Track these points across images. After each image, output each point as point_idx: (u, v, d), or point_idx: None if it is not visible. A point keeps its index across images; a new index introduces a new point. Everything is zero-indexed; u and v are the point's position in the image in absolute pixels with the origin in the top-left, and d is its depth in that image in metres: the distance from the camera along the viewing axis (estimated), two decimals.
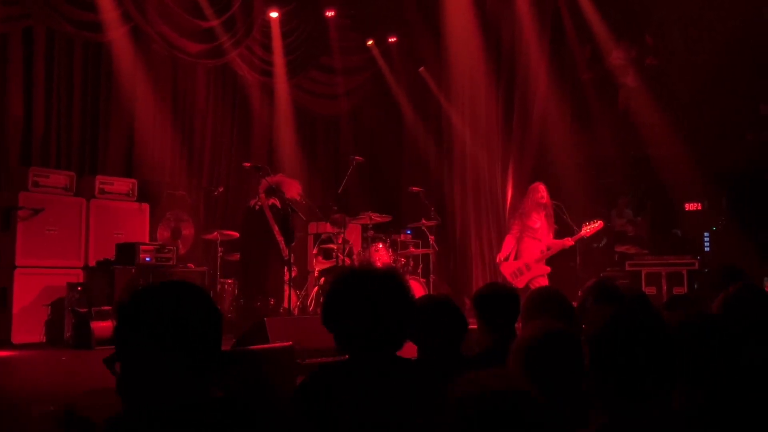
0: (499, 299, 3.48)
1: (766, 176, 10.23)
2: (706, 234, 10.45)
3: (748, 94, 10.41)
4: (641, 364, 1.77)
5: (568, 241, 8.49)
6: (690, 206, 10.79)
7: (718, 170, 10.20)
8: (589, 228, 8.46)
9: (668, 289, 9.44)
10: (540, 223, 8.49)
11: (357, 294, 2.29)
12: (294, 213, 7.94)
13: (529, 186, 8.89)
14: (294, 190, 8.33)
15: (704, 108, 10.63)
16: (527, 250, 8.49)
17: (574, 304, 4.64)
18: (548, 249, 8.49)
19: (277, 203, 8.14)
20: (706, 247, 10.38)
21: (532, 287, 8.03)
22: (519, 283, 8.35)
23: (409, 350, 2.56)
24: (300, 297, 8.78)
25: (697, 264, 9.38)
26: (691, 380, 1.99)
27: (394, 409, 2.17)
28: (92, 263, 8.16)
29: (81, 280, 8.01)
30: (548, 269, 8.48)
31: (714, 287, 3.72)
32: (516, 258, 8.57)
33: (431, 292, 9.19)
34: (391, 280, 2.34)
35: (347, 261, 8.78)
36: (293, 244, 8.21)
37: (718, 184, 10.38)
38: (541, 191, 8.56)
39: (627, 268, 9.91)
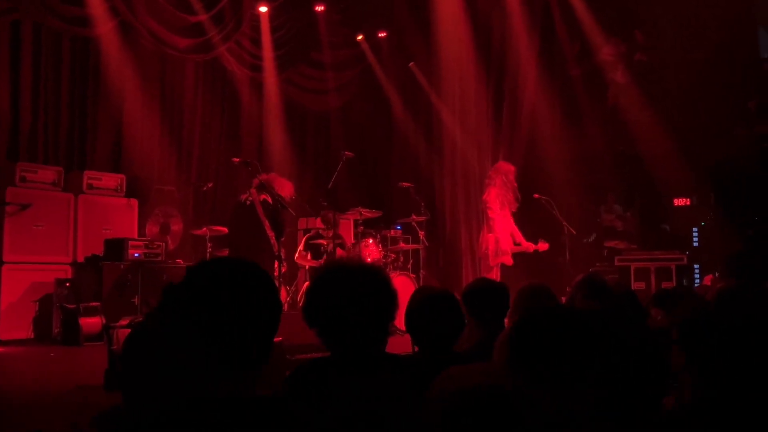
0: (488, 294, 3.47)
1: (754, 171, 10.27)
2: (694, 229, 10.50)
3: (736, 90, 10.46)
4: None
5: (532, 247, 8.80)
6: (679, 201, 10.83)
7: (706, 166, 10.25)
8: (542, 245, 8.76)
9: (657, 284, 9.48)
10: (510, 199, 8.87)
11: (337, 291, 2.26)
12: (284, 209, 7.93)
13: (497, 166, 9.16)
14: (286, 190, 8.31)
15: (693, 104, 10.67)
16: (507, 229, 8.72)
17: (563, 299, 4.66)
18: (517, 244, 8.77)
19: (268, 199, 8.12)
20: (695, 242, 10.43)
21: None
22: (500, 260, 8.61)
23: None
24: (290, 292, 8.76)
25: (685, 259, 9.43)
26: (692, 377, 1.99)
27: (376, 404, 2.16)
28: (80, 259, 8.13)
29: (69, 276, 7.98)
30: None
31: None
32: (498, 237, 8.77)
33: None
34: (372, 276, 2.31)
35: (342, 253, 8.79)
36: (283, 240, 8.19)
37: (706, 179, 10.42)
38: (513, 171, 8.96)
39: (616, 263, 9.94)
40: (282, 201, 7.67)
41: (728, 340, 1.99)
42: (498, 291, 3.55)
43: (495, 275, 8.66)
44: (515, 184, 8.95)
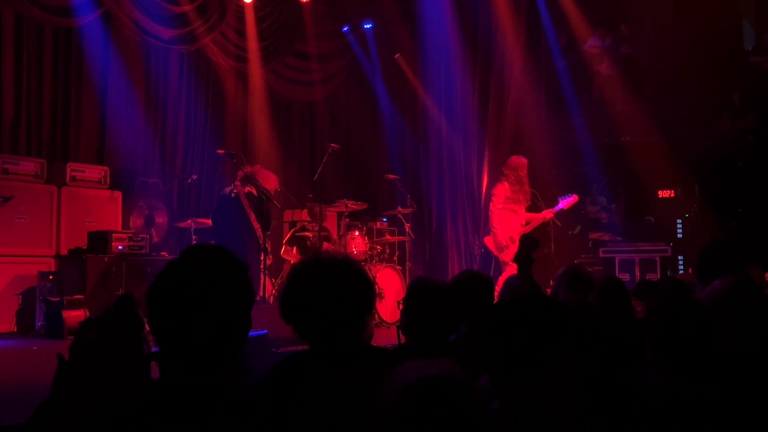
0: (474, 286, 3.47)
1: (738, 164, 10.34)
2: (679, 221, 10.56)
3: (720, 83, 10.51)
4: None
5: (548, 214, 8.62)
6: (663, 193, 10.88)
7: (691, 158, 10.30)
8: (566, 201, 8.59)
9: (641, 275, 9.53)
10: (519, 196, 8.67)
11: (310, 286, 2.26)
12: (269, 201, 7.92)
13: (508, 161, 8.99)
14: (271, 183, 8.28)
15: (677, 96, 10.71)
16: (508, 223, 8.61)
17: (548, 291, 4.68)
18: (527, 223, 8.65)
19: (253, 191, 8.09)
20: (679, 234, 10.49)
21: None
22: (506, 257, 8.45)
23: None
24: (275, 285, 8.74)
25: (669, 251, 9.48)
26: (668, 367, 2.01)
27: (357, 397, 2.15)
28: (64, 252, 8.07)
29: (52, 269, 7.92)
30: None
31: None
32: (495, 232, 8.68)
33: (407, 280, 9.22)
34: (346, 269, 2.29)
35: (328, 246, 8.77)
36: (269, 233, 8.17)
37: (691, 171, 10.48)
38: (524, 164, 8.78)
39: (601, 254, 9.99)
40: (267, 193, 7.65)
41: (689, 329, 2.01)
42: (483, 283, 3.55)
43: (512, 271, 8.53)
44: (526, 178, 8.84)
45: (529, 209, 8.90)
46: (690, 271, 8.64)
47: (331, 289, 2.23)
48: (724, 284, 2.64)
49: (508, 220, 8.63)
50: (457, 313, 3.00)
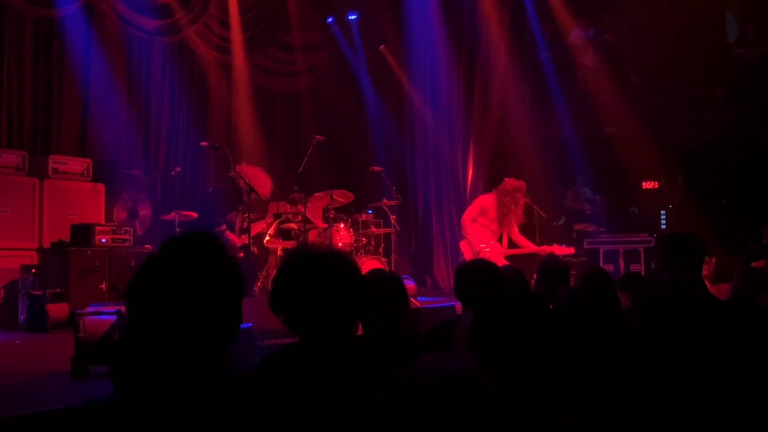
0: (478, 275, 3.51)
1: (721, 155, 10.41)
2: (662, 212, 10.62)
3: (704, 75, 10.56)
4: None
5: (543, 250, 8.28)
6: (647, 185, 10.95)
7: (675, 149, 10.36)
8: (562, 249, 8.29)
9: (626, 266, 9.58)
10: (506, 218, 8.37)
11: (302, 279, 2.24)
12: (253, 192, 7.85)
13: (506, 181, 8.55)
14: (266, 187, 8.20)
15: (661, 88, 10.77)
16: (482, 235, 8.42)
17: (533, 282, 4.69)
18: (516, 246, 8.43)
19: (241, 186, 8.05)
20: (663, 225, 10.55)
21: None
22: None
23: None
24: (260, 278, 8.71)
25: (653, 242, 9.52)
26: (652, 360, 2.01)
27: (347, 387, 2.16)
28: (46, 245, 8.00)
29: (35, 262, 7.85)
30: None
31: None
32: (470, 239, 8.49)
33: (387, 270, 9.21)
34: (337, 262, 2.28)
35: (313, 237, 8.74)
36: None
37: (674, 162, 10.54)
38: (522, 188, 8.42)
39: (585, 246, 10.02)
40: (252, 189, 7.60)
41: (682, 323, 2.01)
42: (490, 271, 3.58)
43: None
44: (526, 200, 8.47)
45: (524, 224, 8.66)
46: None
47: (323, 283, 2.22)
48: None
49: (480, 232, 8.42)
50: (404, 301, 3.09)
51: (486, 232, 8.35)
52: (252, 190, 7.65)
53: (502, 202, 8.31)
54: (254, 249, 8.22)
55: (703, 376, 1.93)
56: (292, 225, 8.40)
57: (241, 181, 7.74)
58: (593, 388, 2.32)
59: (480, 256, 8.15)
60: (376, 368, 2.27)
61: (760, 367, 1.95)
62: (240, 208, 7.80)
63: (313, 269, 2.24)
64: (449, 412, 1.33)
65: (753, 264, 4.80)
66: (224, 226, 7.56)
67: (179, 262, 1.59)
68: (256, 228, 8.20)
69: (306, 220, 8.68)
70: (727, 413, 1.86)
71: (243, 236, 7.91)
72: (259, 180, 8.16)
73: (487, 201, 8.39)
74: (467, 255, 8.35)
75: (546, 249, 8.19)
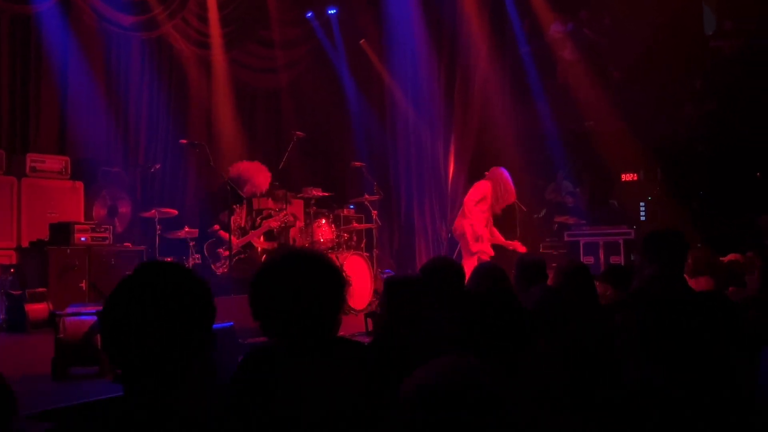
0: (446, 273, 3.51)
1: (699, 147, 10.51)
2: (642, 204, 10.71)
3: (682, 68, 10.65)
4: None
5: (519, 248, 8.37)
6: (626, 177, 11.03)
7: (653, 142, 10.45)
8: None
9: (606, 258, 9.66)
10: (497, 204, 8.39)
11: (281, 284, 2.25)
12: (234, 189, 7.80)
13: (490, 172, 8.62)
14: (262, 181, 8.09)
15: (640, 81, 10.84)
16: (479, 220, 8.43)
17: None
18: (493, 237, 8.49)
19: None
20: (642, 216, 10.64)
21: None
22: (477, 247, 8.33)
23: None
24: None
25: (633, 233, 9.60)
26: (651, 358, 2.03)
27: (328, 386, 2.16)
28: (25, 244, 7.92)
29: (14, 262, 7.78)
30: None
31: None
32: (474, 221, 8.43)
33: (375, 268, 9.22)
34: (318, 265, 2.30)
35: (295, 233, 8.71)
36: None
37: (653, 155, 10.63)
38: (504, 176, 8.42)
39: (565, 238, 10.10)
40: (231, 183, 7.54)
41: (676, 319, 2.03)
42: (454, 270, 3.58)
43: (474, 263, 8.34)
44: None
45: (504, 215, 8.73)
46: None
47: (302, 288, 2.23)
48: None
49: (479, 218, 8.43)
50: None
51: (483, 219, 8.39)
52: (232, 187, 7.57)
53: (496, 192, 8.30)
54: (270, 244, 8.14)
55: (699, 373, 1.95)
56: (273, 222, 8.31)
57: (230, 181, 7.64)
58: (576, 386, 2.34)
59: (480, 242, 8.19)
60: (359, 368, 2.27)
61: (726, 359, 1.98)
62: (235, 207, 7.70)
63: (294, 274, 2.25)
64: (446, 414, 1.33)
65: (724, 258, 4.86)
66: (217, 226, 7.47)
67: (152, 286, 1.61)
68: (274, 224, 8.13)
69: (290, 216, 8.65)
70: (717, 411, 1.89)
71: (247, 236, 7.82)
72: (261, 175, 8.06)
73: (486, 189, 8.35)
74: (469, 235, 8.27)
75: (511, 244, 8.34)
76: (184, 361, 1.60)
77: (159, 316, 1.56)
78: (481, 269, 4.08)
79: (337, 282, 2.32)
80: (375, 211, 9.47)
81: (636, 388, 1.99)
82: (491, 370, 1.41)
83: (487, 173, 8.47)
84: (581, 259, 9.30)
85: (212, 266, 7.34)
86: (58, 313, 4.98)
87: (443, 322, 3.08)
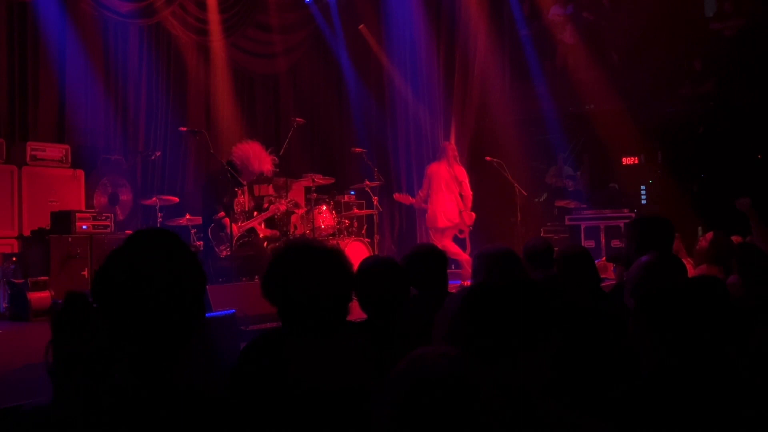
0: (427, 259, 3.50)
1: (700, 129, 10.48)
2: (642, 187, 10.70)
3: (681, 50, 10.60)
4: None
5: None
6: (627, 160, 11.01)
7: (654, 124, 10.43)
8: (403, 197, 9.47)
9: (607, 242, 9.67)
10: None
11: (300, 269, 2.33)
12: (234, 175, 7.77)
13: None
14: (265, 165, 8.05)
15: (640, 63, 10.80)
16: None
17: None
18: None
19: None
20: (643, 200, 10.64)
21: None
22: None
23: None
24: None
25: (634, 217, 9.61)
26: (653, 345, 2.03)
27: (334, 371, 2.20)
28: (27, 233, 7.93)
29: (15, 251, 7.79)
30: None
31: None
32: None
33: (377, 254, 9.23)
34: (333, 256, 2.39)
35: (299, 229, 8.72)
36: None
37: (654, 138, 10.61)
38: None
39: (566, 222, 10.11)
40: (232, 169, 7.51)
41: (687, 308, 2.03)
42: (436, 256, 3.56)
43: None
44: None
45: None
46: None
47: (320, 279, 2.31)
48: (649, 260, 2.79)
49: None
50: (403, 286, 3.10)
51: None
52: (232, 173, 7.55)
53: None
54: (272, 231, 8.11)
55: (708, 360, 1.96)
56: (281, 206, 8.26)
57: (231, 167, 7.59)
58: (581, 374, 2.35)
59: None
60: (365, 351, 2.34)
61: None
62: (238, 191, 7.67)
63: (313, 265, 2.34)
64: (435, 404, 1.33)
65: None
66: (222, 213, 7.44)
67: (142, 254, 1.61)
68: (282, 207, 8.12)
69: (297, 205, 8.67)
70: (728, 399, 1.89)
71: (251, 220, 7.80)
72: (263, 156, 8.00)
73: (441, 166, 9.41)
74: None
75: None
76: (180, 330, 1.59)
77: (151, 277, 1.55)
78: (493, 254, 3.97)
79: (350, 276, 2.45)
80: (376, 197, 9.47)
81: (654, 371, 1.99)
82: (473, 361, 1.40)
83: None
84: (582, 243, 9.32)
85: (216, 249, 7.30)
86: (59, 301, 4.99)
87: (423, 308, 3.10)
